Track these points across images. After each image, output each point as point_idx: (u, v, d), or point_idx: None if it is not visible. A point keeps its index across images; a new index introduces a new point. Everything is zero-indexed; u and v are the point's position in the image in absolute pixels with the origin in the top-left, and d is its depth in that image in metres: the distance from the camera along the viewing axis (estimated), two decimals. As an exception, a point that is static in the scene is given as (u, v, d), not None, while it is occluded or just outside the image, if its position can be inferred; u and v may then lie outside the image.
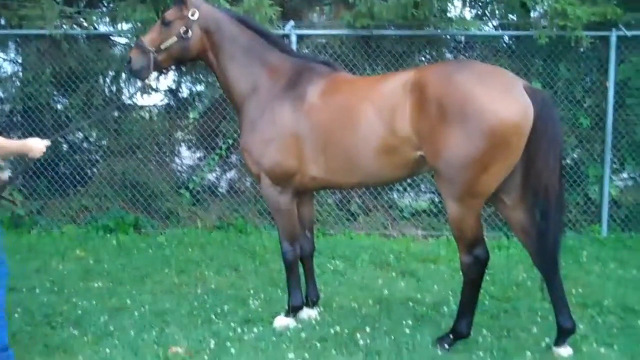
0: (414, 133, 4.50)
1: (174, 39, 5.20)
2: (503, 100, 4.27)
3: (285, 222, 5.24)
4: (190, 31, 5.18)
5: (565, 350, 4.59)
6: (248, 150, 5.19)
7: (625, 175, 8.99)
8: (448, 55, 9.24)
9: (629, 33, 8.28)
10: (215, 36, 5.24)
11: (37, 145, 4.36)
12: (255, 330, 5.11)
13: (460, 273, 4.74)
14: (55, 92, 9.45)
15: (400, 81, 4.65)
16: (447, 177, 4.43)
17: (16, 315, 5.35)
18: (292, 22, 8.69)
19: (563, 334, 4.59)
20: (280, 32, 8.43)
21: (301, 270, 5.48)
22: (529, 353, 4.59)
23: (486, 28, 9.30)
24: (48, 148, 4.50)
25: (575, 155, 8.85)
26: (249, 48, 5.26)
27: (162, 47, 5.22)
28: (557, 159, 4.43)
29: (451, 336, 4.76)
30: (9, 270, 4.34)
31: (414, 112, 4.48)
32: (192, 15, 5.19)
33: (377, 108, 4.65)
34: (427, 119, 4.41)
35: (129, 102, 9.54)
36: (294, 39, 8.54)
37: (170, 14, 5.28)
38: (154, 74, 5.35)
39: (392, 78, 4.79)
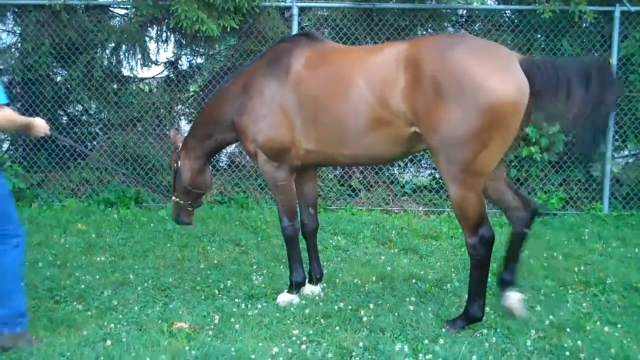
0: (408, 109, 4.44)
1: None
2: (499, 76, 4.21)
3: (284, 198, 5.25)
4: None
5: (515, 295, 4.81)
6: (243, 131, 5.23)
7: (626, 152, 8.97)
8: (450, 29, 9.17)
9: (632, 8, 8.20)
10: None
11: (41, 124, 4.47)
12: (259, 305, 5.12)
13: (462, 250, 4.74)
14: (54, 64, 9.36)
15: (392, 53, 4.58)
16: (445, 156, 4.37)
17: (20, 289, 5.36)
18: (294, -5, 8.61)
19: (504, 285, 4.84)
20: (282, 4, 8.34)
21: (304, 246, 5.50)
22: (533, 331, 4.60)
23: (488, 2, 9.24)
24: (48, 122, 4.63)
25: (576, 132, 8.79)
26: None
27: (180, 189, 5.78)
28: (585, 87, 4.24)
29: (463, 320, 4.68)
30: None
31: (408, 87, 4.42)
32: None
33: (367, 78, 4.59)
34: (422, 96, 4.35)
35: (128, 74, 9.46)
36: (295, 11, 8.45)
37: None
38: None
39: (384, 49, 4.72)
